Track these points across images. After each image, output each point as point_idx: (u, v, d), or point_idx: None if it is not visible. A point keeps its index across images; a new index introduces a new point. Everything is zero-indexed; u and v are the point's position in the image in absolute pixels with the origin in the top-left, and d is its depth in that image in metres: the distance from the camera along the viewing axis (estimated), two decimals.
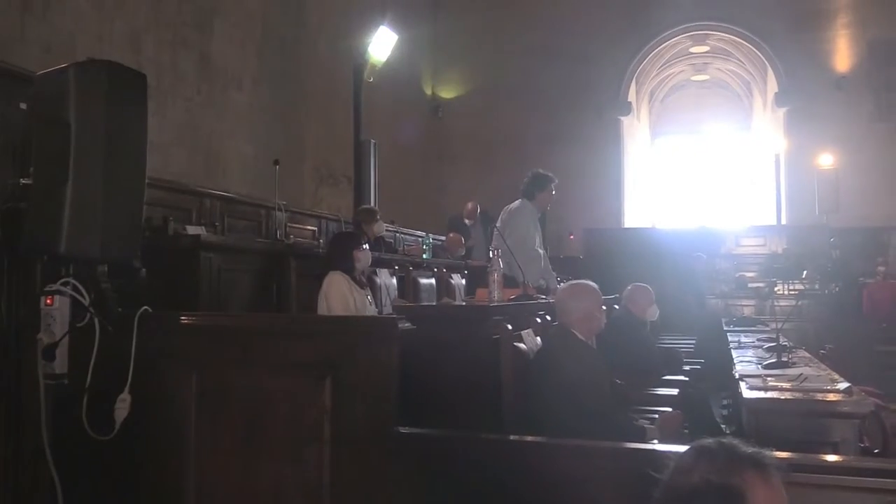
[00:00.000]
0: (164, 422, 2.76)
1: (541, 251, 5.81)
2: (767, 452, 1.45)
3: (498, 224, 5.84)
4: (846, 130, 12.27)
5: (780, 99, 13.16)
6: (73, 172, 2.60)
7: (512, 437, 2.62)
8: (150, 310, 2.84)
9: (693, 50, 14.77)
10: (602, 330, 3.60)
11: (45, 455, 2.74)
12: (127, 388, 2.73)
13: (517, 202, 5.82)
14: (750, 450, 1.44)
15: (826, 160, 11.94)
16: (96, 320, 2.75)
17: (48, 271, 2.84)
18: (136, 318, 2.78)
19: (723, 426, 4.74)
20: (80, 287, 2.77)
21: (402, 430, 2.51)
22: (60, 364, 2.76)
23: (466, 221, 8.88)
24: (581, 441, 2.53)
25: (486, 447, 2.52)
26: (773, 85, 13.45)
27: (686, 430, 3.81)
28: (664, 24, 13.52)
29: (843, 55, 12.71)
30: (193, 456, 2.70)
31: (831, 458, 2.30)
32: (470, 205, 9.00)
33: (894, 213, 12.11)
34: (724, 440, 1.48)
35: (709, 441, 1.48)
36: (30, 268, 2.88)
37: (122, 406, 2.72)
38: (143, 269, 3.10)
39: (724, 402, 5.41)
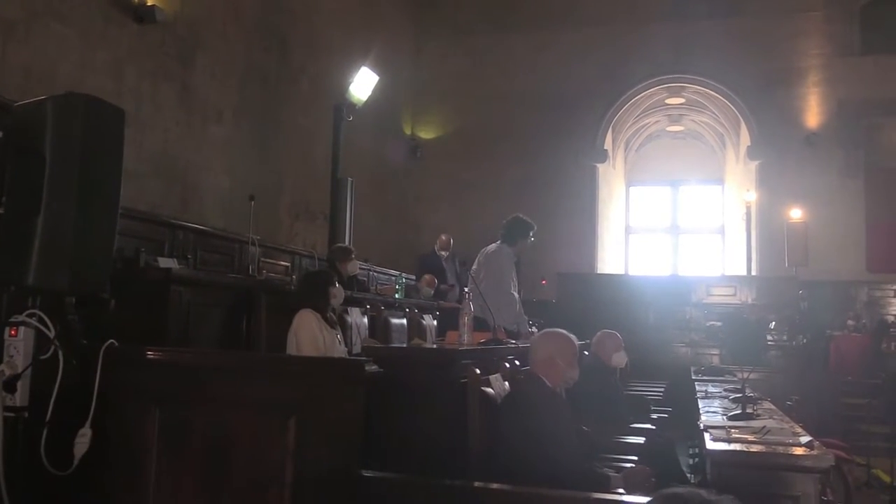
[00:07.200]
0: (124, 458, 2.71)
1: (516, 295, 5.82)
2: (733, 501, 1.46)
3: (474, 266, 5.85)
4: (816, 185, 12.54)
5: (752, 152, 13.42)
6: (45, 204, 2.59)
7: (476, 484, 2.61)
8: (116, 343, 2.82)
9: (669, 101, 15.05)
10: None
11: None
12: (88, 423, 2.70)
13: (494, 245, 5.82)
14: (714, 498, 1.45)
15: (796, 214, 12.15)
16: (60, 353, 2.72)
17: (15, 302, 2.81)
18: (102, 352, 2.76)
19: (689, 475, 4.74)
20: (46, 319, 2.73)
21: (366, 473, 2.50)
22: (22, 397, 2.71)
23: (442, 253, 8.88)
24: (545, 490, 2.53)
25: (450, 493, 2.51)
26: (745, 138, 13.72)
27: (653, 479, 3.81)
28: (641, 75, 13.79)
29: (813, 112, 13.03)
30: (152, 495, 2.65)
31: None
32: (444, 236, 9.02)
33: (862, 268, 12.34)
34: (689, 490, 1.50)
35: (675, 489, 1.50)
36: None
37: (83, 441, 2.68)
38: (112, 301, 3.08)
39: (691, 451, 5.42)
